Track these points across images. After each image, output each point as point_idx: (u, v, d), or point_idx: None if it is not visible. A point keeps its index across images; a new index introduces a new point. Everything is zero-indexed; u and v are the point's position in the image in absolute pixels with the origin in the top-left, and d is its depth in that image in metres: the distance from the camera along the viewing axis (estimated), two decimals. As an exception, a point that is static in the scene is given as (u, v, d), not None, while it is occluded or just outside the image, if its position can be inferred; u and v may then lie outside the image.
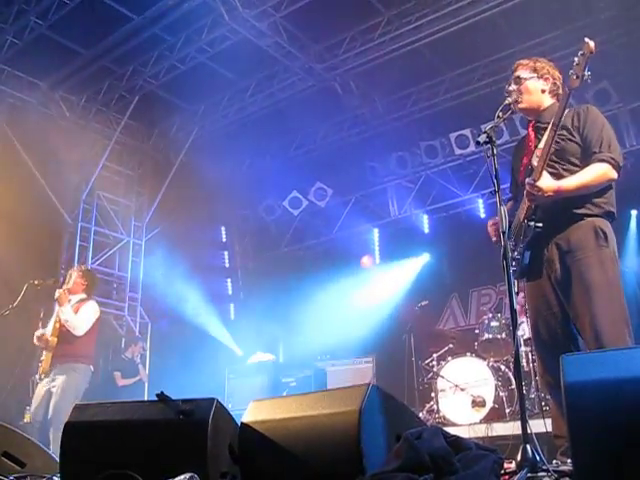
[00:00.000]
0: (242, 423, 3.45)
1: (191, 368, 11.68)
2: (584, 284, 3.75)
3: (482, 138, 3.78)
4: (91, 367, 7.14)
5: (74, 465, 3.50)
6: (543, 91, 4.15)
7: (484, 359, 8.36)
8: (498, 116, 4.04)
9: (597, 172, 3.81)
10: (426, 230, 12.06)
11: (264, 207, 12.88)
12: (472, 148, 10.44)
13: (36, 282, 7.61)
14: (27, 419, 8.94)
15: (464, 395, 8.08)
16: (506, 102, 4.14)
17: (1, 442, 4.30)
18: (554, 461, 3.63)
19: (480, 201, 11.30)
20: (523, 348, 8.40)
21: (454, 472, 2.32)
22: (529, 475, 2.97)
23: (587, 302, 3.72)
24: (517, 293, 3.98)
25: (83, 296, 7.31)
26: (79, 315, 7.03)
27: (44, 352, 6.98)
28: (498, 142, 9.68)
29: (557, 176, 3.90)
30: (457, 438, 2.58)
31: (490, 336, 8.58)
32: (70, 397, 6.45)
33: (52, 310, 10.65)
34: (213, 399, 3.43)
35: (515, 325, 3.50)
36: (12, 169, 10.27)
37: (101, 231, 11.86)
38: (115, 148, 11.89)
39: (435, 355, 9.02)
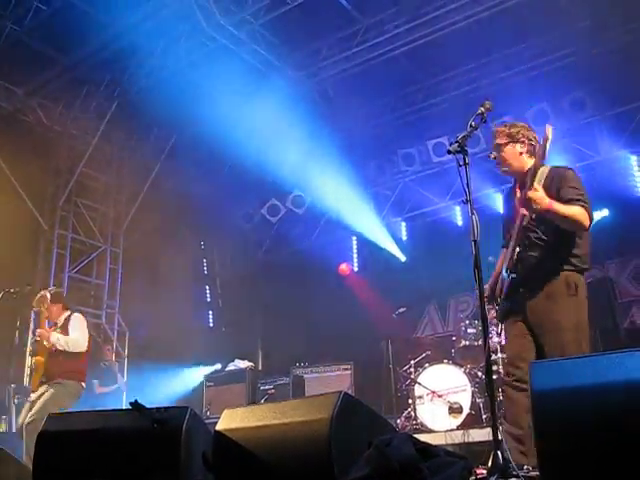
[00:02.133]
0: (216, 431, 3.47)
1: (169, 376, 11.67)
2: (556, 327, 4.19)
3: (453, 147, 3.87)
4: (82, 384, 7.11)
5: (47, 474, 3.51)
6: (521, 154, 4.50)
7: (461, 366, 8.40)
8: (471, 125, 4.11)
9: (579, 213, 4.15)
10: (404, 237, 12.12)
11: (242, 214, 12.90)
12: (449, 156, 10.47)
13: (12, 290, 7.58)
14: (2, 428, 8.89)
15: (441, 402, 8.12)
16: (478, 112, 4.21)
17: (-25, 452, 4.29)
18: (525, 466, 3.69)
19: (457, 208, 11.41)
20: (500, 354, 8.49)
21: (423, 479, 2.36)
22: (499, 481, 3.03)
23: (559, 343, 4.15)
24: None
25: (65, 314, 7.29)
26: (71, 334, 7.01)
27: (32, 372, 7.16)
28: (475, 150, 9.91)
29: (537, 240, 4.32)
30: (426, 445, 2.62)
31: (467, 343, 8.63)
32: (50, 407, 6.38)
33: (28, 318, 10.66)
34: (186, 407, 3.46)
35: (486, 331, 3.56)
36: (-12, 175, 10.24)
37: (79, 238, 11.81)
38: (93, 155, 11.82)
39: (413, 362, 9.05)
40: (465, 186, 3.87)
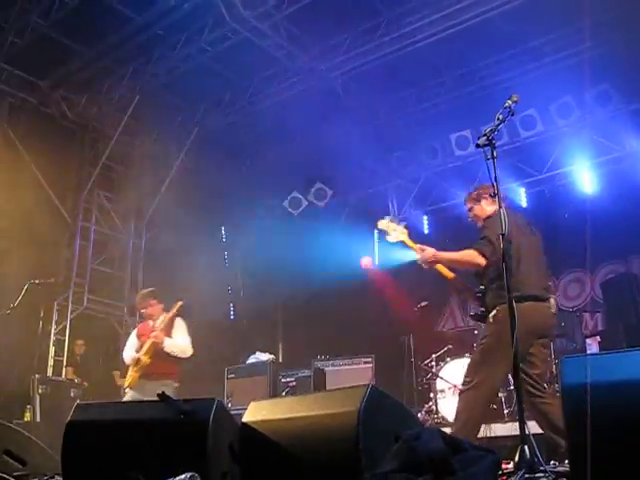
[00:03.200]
0: (242, 423, 3.49)
1: (190, 367, 11.71)
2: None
3: (481, 141, 3.85)
4: (176, 384, 7.40)
5: (76, 464, 3.54)
6: (486, 209, 5.25)
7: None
8: (498, 118, 4.10)
9: (466, 254, 4.90)
10: (426, 231, 12.07)
11: (264, 207, 12.91)
12: (472, 149, 10.45)
13: (37, 282, 7.67)
14: (27, 418, 8.98)
15: (462, 396, 8.09)
16: (505, 105, 4.20)
17: (2, 440, 4.35)
18: (551, 462, 3.67)
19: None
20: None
21: (452, 473, 2.35)
22: (527, 476, 3.01)
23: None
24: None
25: (163, 315, 7.42)
26: (181, 341, 7.29)
27: (130, 368, 7.25)
28: (497, 144, 9.79)
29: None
30: (455, 439, 2.61)
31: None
32: None
33: (51, 309, 10.76)
34: (213, 399, 3.47)
35: (514, 326, 3.54)
36: (13, 169, 10.32)
37: (101, 230, 11.88)
38: (116, 148, 11.90)
39: (434, 356, 9.06)
40: (493, 179, 3.85)
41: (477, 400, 4.72)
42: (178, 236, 12.43)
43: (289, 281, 13.01)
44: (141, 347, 7.25)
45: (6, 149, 10.51)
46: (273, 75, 10.81)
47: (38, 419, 8.85)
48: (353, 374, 9.85)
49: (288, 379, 9.57)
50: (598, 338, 9.11)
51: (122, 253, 12.16)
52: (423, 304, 9.33)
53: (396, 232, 5.34)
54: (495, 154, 3.90)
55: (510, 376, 8.04)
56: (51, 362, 10.63)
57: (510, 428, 7.27)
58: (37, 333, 10.67)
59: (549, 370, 8.30)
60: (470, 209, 5.37)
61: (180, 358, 7.26)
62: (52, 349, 10.73)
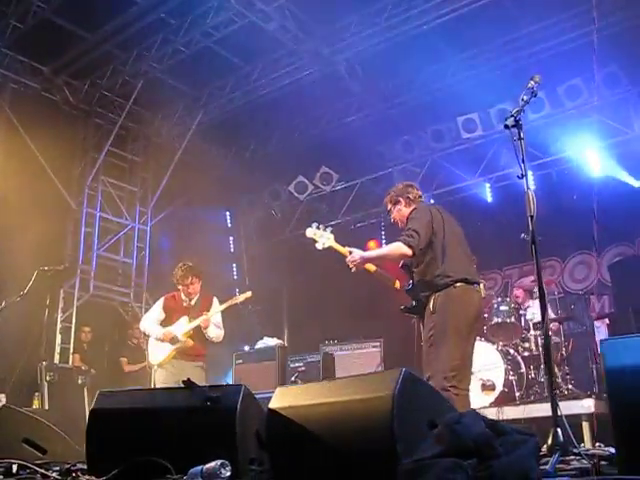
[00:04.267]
0: (269, 409, 3.42)
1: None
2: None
3: (510, 121, 3.80)
4: (206, 366, 7.38)
5: (101, 452, 3.49)
6: (403, 210, 5.35)
7: (493, 343, 8.35)
8: (522, 99, 4.04)
9: (393, 247, 5.03)
10: (431, 215, 12.02)
11: (269, 192, 12.86)
12: (479, 132, 10.42)
13: (46, 268, 7.60)
14: (36, 405, 8.94)
15: (474, 379, 7.94)
16: (529, 86, 4.14)
17: (22, 429, 4.31)
18: (581, 444, 3.62)
19: (487, 185, 11.28)
20: (533, 332, 8.44)
21: (497, 457, 2.30)
22: (562, 459, 2.97)
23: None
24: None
25: (199, 293, 7.33)
26: (217, 330, 7.24)
27: (166, 345, 7.07)
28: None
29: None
30: (496, 422, 2.56)
31: (499, 320, 8.55)
32: None
33: (57, 296, 10.69)
34: (240, 385, 3.43)
35: (545, 307, 3.50)
36: (16, 155, 10.22)
37: (106, 217, 11.80)
38: (119, 133, 11.82)
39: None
40: (520, 161, 3.79)
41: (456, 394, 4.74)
42: (183, 221, 12.41)
43: (294, 265, 13.00)
44: (170, 322, 7.13)
45: (9, 135, 10.41)
46: (278, 59, 10.69)
47: (46, 406, 8.81)
48: (362, 358, 9.82)
49: (297, 364, 9.52)
50: (607, 320, 9.06)
51: (127, 239, 12.07)
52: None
53: (323, 238, 5.41)
54: (522, 135, 3.82)
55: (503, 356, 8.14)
56: (58, 349, 10.58)
57: (522, 411, 7.22)
58: (43, 320, 10.58)
59: (559, 353, 8.29)
60: (389, 211, 5.50)
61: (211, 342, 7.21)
62: (59, 336, 10.67)
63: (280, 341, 10.41)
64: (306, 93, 10.71)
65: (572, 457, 3.09)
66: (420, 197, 5.46)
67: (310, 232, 5.53)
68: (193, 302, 7.23)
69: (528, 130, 10.29)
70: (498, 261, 11.35)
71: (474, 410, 2.63)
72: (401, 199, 5.37)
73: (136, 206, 12.26)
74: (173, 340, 7.00)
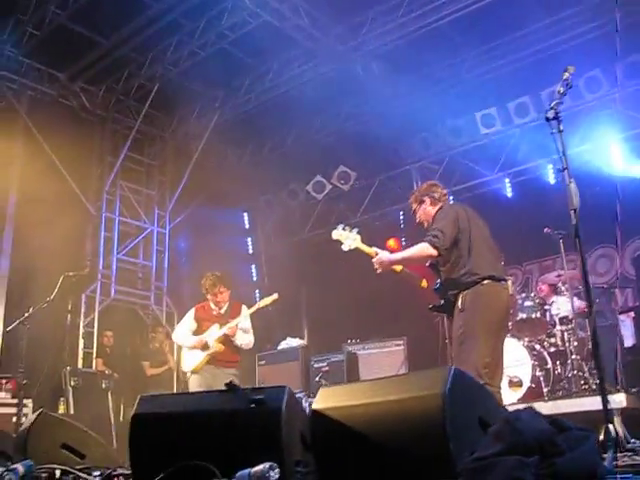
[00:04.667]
0: (313, 410, 3.38)
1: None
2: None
3: (550, 114, 3.76)
4: (239, 372, 7.45)
5: (145, 457, 3.46)
6: (428, 209, 5.40)
7: (519, 339, 8.28)
8: (559, 92, 4.00)
9: (418, 248, 5.03)
10: (450, 211, 11.97)
11: (287, 192, 12.84)
12: (498, 127, 10.35)
13: (71, 274, 7.61)
14: (61, 410, 8.96)
15: (501, 375, 8.01)
16: (564, 77, 4.11)
17: (60, 434, 4.29)
18: (632, 440, 3.58)
19: (506, 180, 11.20)
20: (559, 327, 8.36)
21: (560, 454, 2.25)
22: (618, 455, 2.92)
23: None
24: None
25: (229, 302, 7.42)
26: (247, 336, 7.33)
27: (199, 352, 7.13)
28: (525, 120, 9.71)
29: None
30: (555, 419, 2.51)
31: (524, 316, 8.48)
32: None
33: (79, 302, 10.70)
34: (284, 387, 3.37)
35: (590, 299, 3.46)
36: (34, 162, 10.25)
37: (125, 221, 11.85)
38: (136, 137, 11.87)
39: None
40: (561, 154, 3.75)
41: None
42: (201, 223, 12.41)
43: (313, 265, 12.97)
44: (200, 331, 7.20)
45: (27, 142, 10.44)
46: (293, 58, 10.66)
47: (72, 411, 8.84)
48: (385, 357, 9.82)
49: (320, 364, 9.53)
50: (632, 314, 8.99)
51: (147, 242, 12.08)
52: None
53: (349, 240, 5.43)
54: (561, 127, 3.78)
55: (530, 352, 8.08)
56: (81, 354, 10.62)
57: (552, 407, 7.15)
58: (66, 325, 10.60)
59: (585, 348, 8.22)
60: (414, 211, 5.55)
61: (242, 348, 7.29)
62: (81, 341, 10.71)
63: (303, 341, 10.43)
64: (322, 91, 10.63)
65: (629, 454, 3.04)
66: (445, 196, 5.49)
67: (336, 234, 5.55)
68: (223, 310, 7.32)
69: (546, 125, 10.30)
70: (518, 256, 11.26)
71: (532, 407, 2.58)
72: (426, 198, 5.42)
73: (154, 209, 12.29)
74: (205, 347, 7.07)
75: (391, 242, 11.76)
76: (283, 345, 10.35)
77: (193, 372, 7.10)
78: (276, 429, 3.24)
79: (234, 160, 13.08)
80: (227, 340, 7.08)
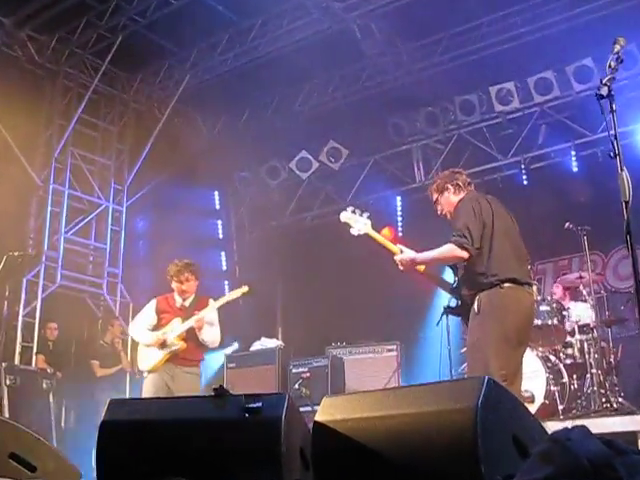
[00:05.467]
0: (316, 422, 3.35)
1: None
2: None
3: (604, 91, 3.74)
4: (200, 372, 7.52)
5: (115, 472, 3.41)
6: (452, 198, 5.47)
7: (532, 348, 8.31)
8: (609, 66, 3.98)
9: (445, 250, 5.09)
10: (456, 199, 12.03)
11: (266, 169, 12.75)
12: (515, 104, 10.36)
13: (16, 254, 7.51)
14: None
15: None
16: (615, 50, 4.09)
17: (8, 442, 4.20)
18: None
19: (522, 166, 11.18)
20: (578, 336, 8.42)
21: (618, 479, 2.23)
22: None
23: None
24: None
25: (193, 296, 7.34)
26: (213, 330, 7.26)
27: (157, 350, 7.08)
28: (545, 99, 9.77)
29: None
30: (610, 440, 2.50)
31: (539, 322, 8.49)
32: None
33: (20, 287, 10.56)
34: (283, 394, 3.36)
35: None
36: (-29, 121, 10.11)
37: (76, 195, 11.66)
38: (92, 98, 11.70)
39: (472, 342, 8.98)
40: (612, 138, 3.74)
41: None
42: (164, 202, 12.31)
43: (293, 255, 12.93)
44: (160, 325, 7.15)
45: (-36, 98, 10.26)
46: (281, 14, 10.52)
47: (7, 414, 8.71)
48: (375, 363, 9.84)
49: (300, 369, 9.50)
50: (659, 322, 9.07)
51: (100, 221, 11.94)
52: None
53: (359, 224, 5.62)
54: (614, 107, 3.77)
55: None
56: (19, 349, 10.44)
57: (568, 426, 7.18)
58: (2, 315, 10.46)
59: (607, 360, 8.28)
60: (435, 201, 5.60)
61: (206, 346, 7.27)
62: (20, 333, 10.53)
63: (280, 342, 10.39)
64: (313, 55, 10.60)
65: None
66: (469, 184, 5.52)
67: (345, 216, 5.66)
68: (187, 303, 7.25)
69: (572, 103, 10.36)
70: (530, 254, 11.27)
71: (583, 425, 2.57)
72: (449, 186, 5.47)
73: (111, 183, 12.13)
74: (164, 344, 7.03)
75: (385, 231, 11.65)
76: (257, 346, 10.31)
77: (150, 371, 7.06)
78: (275, 444, 3.22)
79: (206, 130, 12.97)
80: (191, 335, 7.03)
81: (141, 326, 7.26)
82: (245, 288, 7.52)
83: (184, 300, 7.23)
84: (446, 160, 11.38)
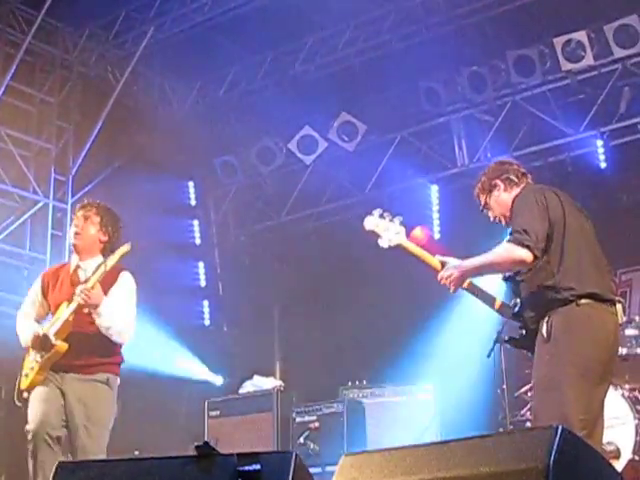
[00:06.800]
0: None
1: (144, 401, 11.61)
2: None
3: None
4: (118, 379, 6.58)
5: None
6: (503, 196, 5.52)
7: (616, 386, 8.32)
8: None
9: (501, 253, 5.13)
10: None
11: (257, 151, 12.76)
12: (589, 61, 10.35)
13: None
14: None
15: (586, 441, 8.06)
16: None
17: None
18: None
19: (599, 143, 11.19)
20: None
21: None
22: None
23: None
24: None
25: (100, 259, 6.34)
26: (121, 306, 6.29)
27: (33, 355, 6.28)
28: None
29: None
30: None
31: (625, 351, 8.53)
32: (105, 427, 6.32)
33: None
34: (289, 453, 3.36)
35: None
36: None
37: (4, 189, 11.71)
38: (25, 60, 11.71)
39: (535, 380, 9.00)
40: None
41: None
42: (121, 197, 12.30)
43: (292, 266, 12.94)
44: (50, 311, 6.44)
45: None
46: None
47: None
48: (406, 409, 9.85)
49: (306, 417, 9.57)
50: None
51: (37, 224, 12.00)
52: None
53: (389, 232, 5.58)
54: None
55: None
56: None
57: None
58: None
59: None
60: (484, 206, 5.63)
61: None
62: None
63: (279, 382, 10.42)
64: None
65: None
66: (524, 175, 5.56)
67: (371, 222, 5.64)
68: (84, 274, 6.30)
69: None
70: (611, 259, 11.31)
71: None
72: (498, 182, 5.50)
73: (50, 173, 12.18)
74: (43, 344, 6.18)
75: (417, 232, 11.72)
76: (248, 387, 10.36)
77: (29, 390, 6.23)
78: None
79: (175, 101, 12.98)
80: (83, 321, 6.16)
81: (25, 318, 6.51)
82: (126, 248, 6.24)
83: (79, 267, 6.36)
84: (496, 136, 11.39)
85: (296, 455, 3.37)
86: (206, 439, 9.75)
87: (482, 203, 5.59)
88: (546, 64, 10.87)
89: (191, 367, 12.41)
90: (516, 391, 9.12)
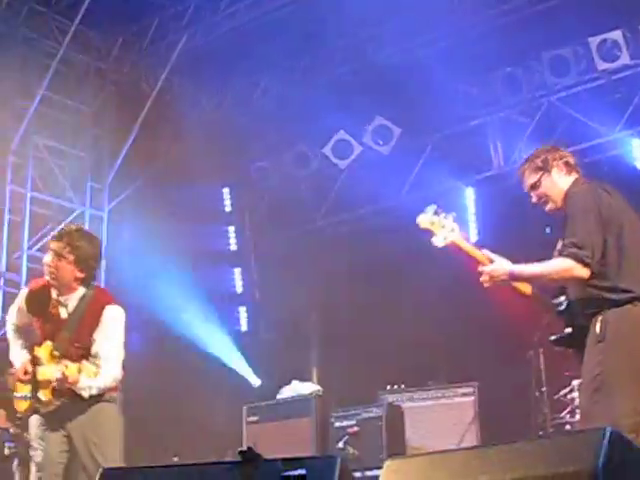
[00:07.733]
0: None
1: (181, 408, 11.63)
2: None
3: None
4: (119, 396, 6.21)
5: None
6: (561, 182, 5.33)
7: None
8: None
9: (556, 268, 5.01)
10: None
11: (292, 156, 12.84)
12: (625, 60, 10.29)
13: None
14: None
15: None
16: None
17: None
18: None
19: (635, 143, 11.15)
20: None
21: None
22: None
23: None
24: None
25: (81, 291, 5.94)
26: (108, 361, 5.84)
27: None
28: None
29: None
30: None
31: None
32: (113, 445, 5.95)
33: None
34: (334, 457, 3.35)
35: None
36: None
37: (41, 198, 11.79)
38: (60, 70, 11.80)
39: (575, 383, 8.95)
40: None
41: None
42: (156, 205, 12.37)
43: (329, 269, 12.93)
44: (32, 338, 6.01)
45: None
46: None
47: None
48: (446, 412, 9.85)
49: (345, 422, 9.53)
50: None
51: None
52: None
53: (444, 230, 5.42)
54: None
55: None
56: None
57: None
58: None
59: None
60: (534, 186, 5.37)
61: None
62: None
63: (317, 387, 10.40)
64: (351, 2, 10.63)
65: None
66: (578, 166, 5.42)
67: (426, 219, 5.51)
68: (64, 311, 5.91)
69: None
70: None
71: None
72: (555, 164, 5.30)
73: (86, 181, 12.27)
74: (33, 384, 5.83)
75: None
76: (286, 392, 10.35)
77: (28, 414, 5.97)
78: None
79: (209, 108, 13.01)
80: (75, 354, 5.72)
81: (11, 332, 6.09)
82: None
83: (59, 303, 5.89)
84: (533, 137, 11.33)
85: (341, 459, 3.37)
86: (245, 444, 9.82)
87: (531, 183, 5.35)
88: (581, 64, 10.87)
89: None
90: (556, 393, 9.03)
